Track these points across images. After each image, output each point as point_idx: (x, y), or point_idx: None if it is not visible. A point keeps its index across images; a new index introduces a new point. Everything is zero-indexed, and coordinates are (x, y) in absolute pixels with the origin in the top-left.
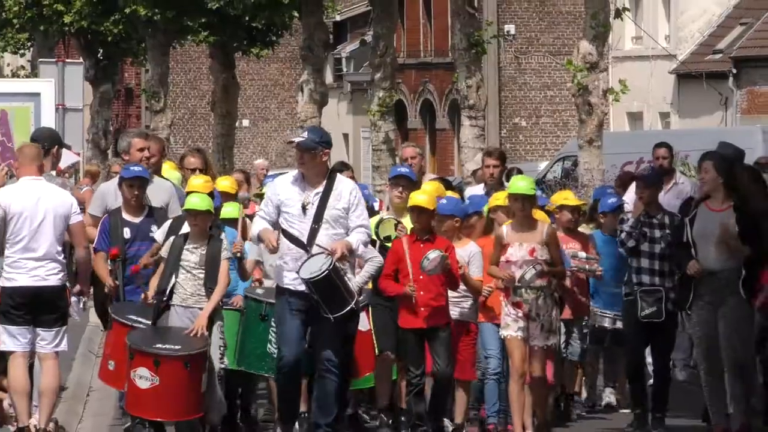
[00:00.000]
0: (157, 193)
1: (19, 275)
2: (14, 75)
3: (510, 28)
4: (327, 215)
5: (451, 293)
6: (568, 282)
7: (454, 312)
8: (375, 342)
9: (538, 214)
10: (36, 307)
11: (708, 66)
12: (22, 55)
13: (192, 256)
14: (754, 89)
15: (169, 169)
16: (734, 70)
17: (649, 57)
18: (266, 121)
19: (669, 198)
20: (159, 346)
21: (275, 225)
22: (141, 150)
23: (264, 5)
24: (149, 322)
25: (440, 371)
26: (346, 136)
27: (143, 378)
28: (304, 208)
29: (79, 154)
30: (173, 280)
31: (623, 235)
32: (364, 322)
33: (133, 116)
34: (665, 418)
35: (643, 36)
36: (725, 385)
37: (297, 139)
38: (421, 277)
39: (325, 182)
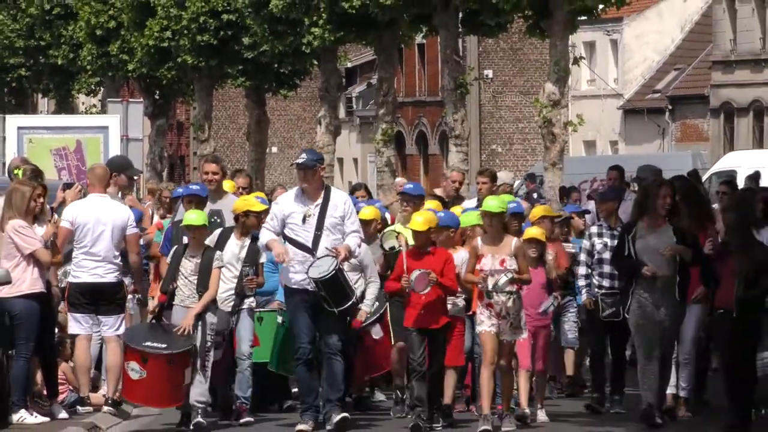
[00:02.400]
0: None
1: (82, 273)
2: (87, 112)
3: (488, 72)
4: (327, 223)
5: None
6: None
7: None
8: (391, 333)
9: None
10: (96, 299)
11: (648, 103)
12: (94, 96)
13: (189, 264)
14: (686, 122)
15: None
16: (670, 107)
17: (601, 96)
18: (291, 149)
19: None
20: (147, 344)
21: (279, 236)
22: (206, 173)
23: (289, 55)
24: (163, 345)
25: (434, 368)
26: (355, 160)
27: (134, 370)
28: (304, 219)
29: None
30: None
31: (588, 245)
32: (377, 330)
33: (183, 145)
34: (622, 400)
35: (596, 79)
36: (657, 369)
37: (299, 161)
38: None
39: (322, 195)
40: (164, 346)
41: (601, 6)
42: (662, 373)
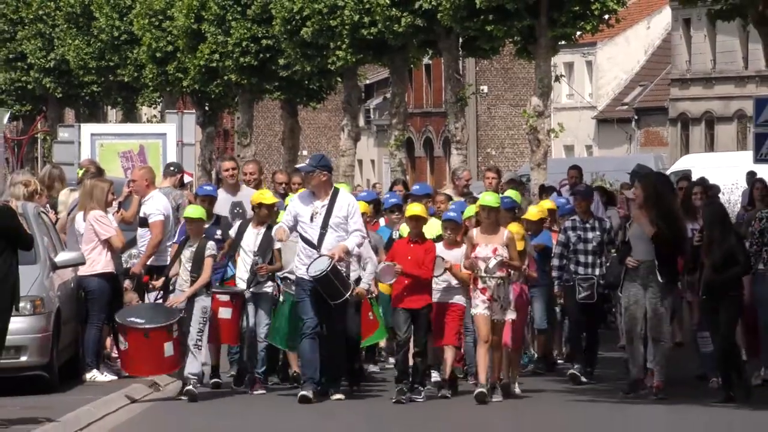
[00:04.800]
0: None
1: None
2: (149, 121)
3: (484, 88)
4: (331, 222)
5: (435, 281)
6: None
7: (437, 295)
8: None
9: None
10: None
11: (618, 114)
12: (155, 108)
13: (187, 252)
14: (649, 129)
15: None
16: (636, 117)
17: (578, 108)
18: (318, 152)
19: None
20: (130, 319)
21: (292, 230)
22: (227, 170)
23: (317, 73)
24: (142, 321)
25: (417, 344)
26: (372, 161)
27: (121, 342)
28: (312, 217)
29: (192, 175)
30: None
31: (564, 239)
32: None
33: (228, 149)
34: (593, 372)
35: (574, 94)
36: (642, 347)
37: (299, 166)
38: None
39: (329, 197)
40: (142, 321)
41: (578, 33)
42: (649, 350)
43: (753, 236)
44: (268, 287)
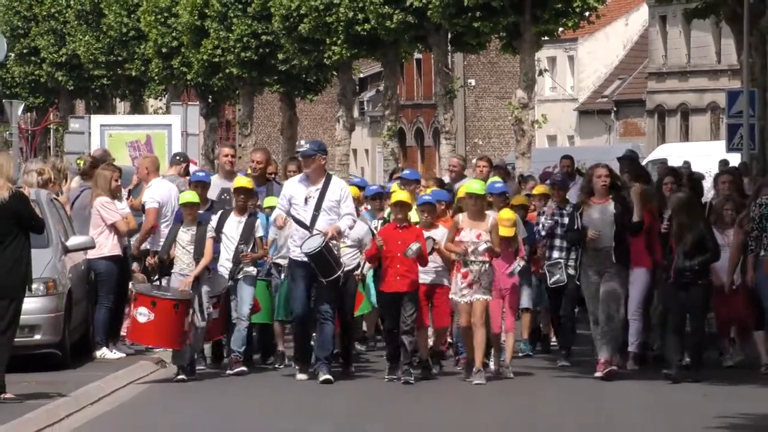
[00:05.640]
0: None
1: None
2: (155, 112)
3: (472, 81)
4: (324, 205)
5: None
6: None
7: (428, 276)
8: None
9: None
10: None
11: (598, 105)
12: (161, 100)
13: (185, 236)
14: (627, 121)
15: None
16: (615, 109)
17: (561, 100)
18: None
19: (571, 194)
20: (155, 292)
21: (287, 213)
22: (226, 156)
23: (314, 67)
24: (169, 294)
25: (408, 324)
26: (366, 151)
27: (142, 314)
28: (306, 200)
29: (196, 164)
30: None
31: (541, 226)
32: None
33: (230, 139)
34: (569, 354)
35: (557, 86)
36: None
37: (301, 149)
38: (399, 254)
39: (323, 181)
40: (170, 294)
41: (560, 29)
42: (612, 333)
43: (753, 221)
44: (251, 270)
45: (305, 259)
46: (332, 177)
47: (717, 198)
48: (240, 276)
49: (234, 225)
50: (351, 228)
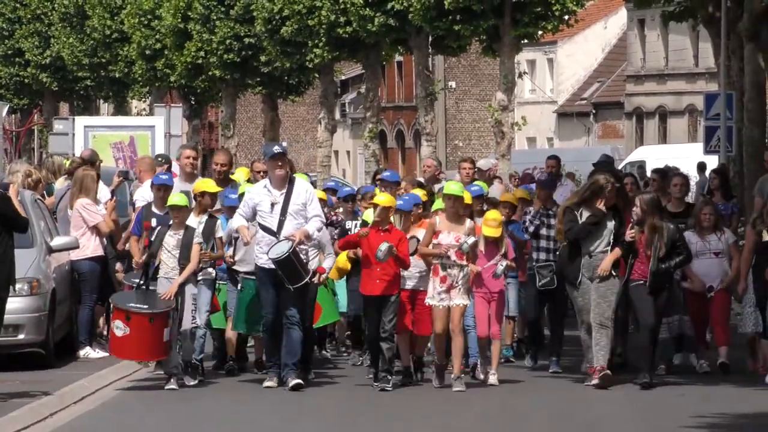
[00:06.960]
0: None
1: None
2: (138, 114)
3: (452, 83)
4: (290, 209)
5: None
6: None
7: (411, 282)
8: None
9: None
10: None
11: (577, 108)
12: (144, 101)
13: (172, 240)
14: (606, 123)
15: (241, 172)
16: (594, 111)
17: (540, 102)
18: (297, 143)
19: (557, 195)
20: (131, 305)
21: (250, 221)
22: (187, 158)
23: (296, 70)
24: (145, 306)
25: (387, 330)
26: (348, 152)
27: (119, 328)
28: (272, 206)
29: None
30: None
31: (527, 224)
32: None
33: (213, 140)
34: (559, 360)
35: (536, 89)
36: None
37: (277, 150)
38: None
39: (287, 185)
40: (146, 307)
41: (540, 32)
42: (605, 339)
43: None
44: (208, 275)
45: (271, 266)
46: (295, 180)
47: (710, 197)
48: (200, 278)
49: (194, 225)
50: (320, 230)
